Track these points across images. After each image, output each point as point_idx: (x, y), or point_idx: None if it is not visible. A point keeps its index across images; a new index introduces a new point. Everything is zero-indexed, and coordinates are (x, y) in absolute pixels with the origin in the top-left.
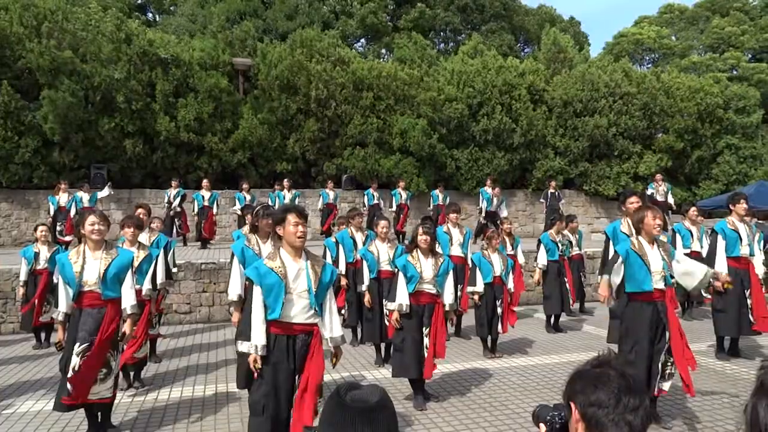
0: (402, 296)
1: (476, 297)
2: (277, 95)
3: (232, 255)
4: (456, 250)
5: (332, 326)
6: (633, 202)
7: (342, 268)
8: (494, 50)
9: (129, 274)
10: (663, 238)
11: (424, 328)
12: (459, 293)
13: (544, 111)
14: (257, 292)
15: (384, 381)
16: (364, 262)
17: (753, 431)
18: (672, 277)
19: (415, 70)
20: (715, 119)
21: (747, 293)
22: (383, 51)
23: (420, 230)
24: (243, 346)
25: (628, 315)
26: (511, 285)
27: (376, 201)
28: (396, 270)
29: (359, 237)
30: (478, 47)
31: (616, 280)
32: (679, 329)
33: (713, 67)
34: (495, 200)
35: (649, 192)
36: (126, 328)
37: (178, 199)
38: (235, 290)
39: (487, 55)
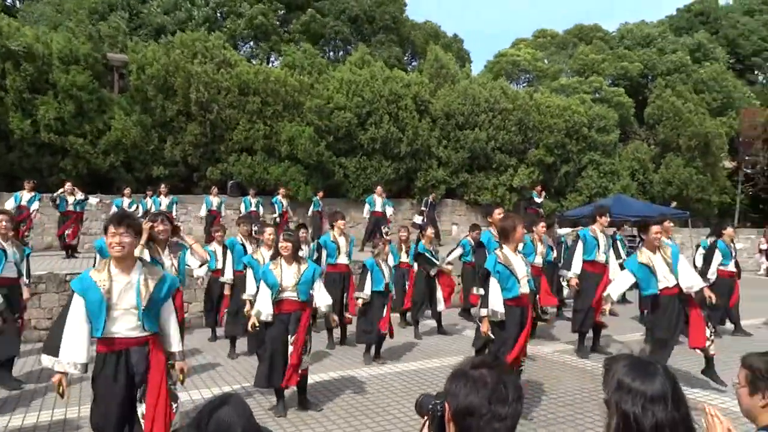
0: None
1: (360, 302)
2: (153, 95)
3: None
4: (342, 259)
5: (173, 341)
6: (499, 213)
7: (229, 276)
8: (381, 61)
9: None
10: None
11: (289, 336)
12: (346, 301)
13: (428, 122)
14: (79, 304)
15: (265, 392)
16: (249, 270)
17: (620, 419)
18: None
19: (305, 77)
20: (581, 137)
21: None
22: (272, 55)
23: (281, 237)
24: (48, 360)
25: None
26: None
27: (253, 208)
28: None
29: (248, 245)
30: (365, 58)
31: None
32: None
33: (579, 89)
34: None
35: (537, 200)
36: None
37: (35, 203)
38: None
39: (375, 66)
